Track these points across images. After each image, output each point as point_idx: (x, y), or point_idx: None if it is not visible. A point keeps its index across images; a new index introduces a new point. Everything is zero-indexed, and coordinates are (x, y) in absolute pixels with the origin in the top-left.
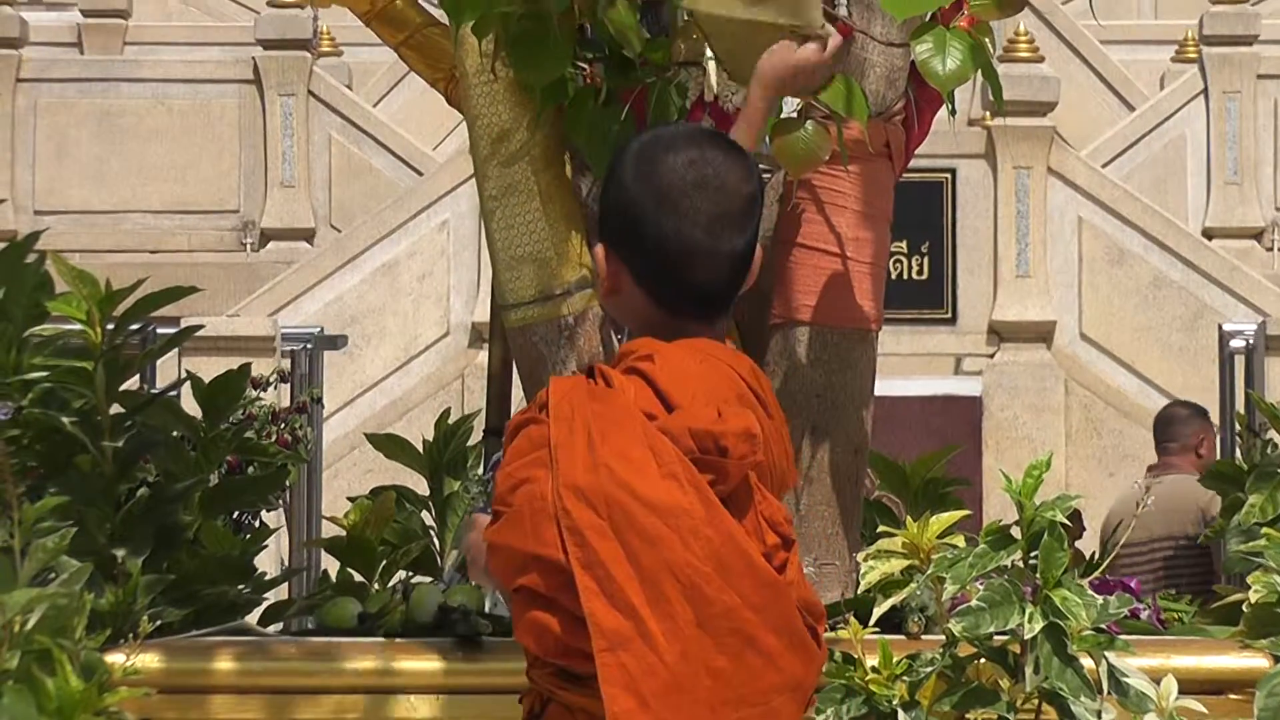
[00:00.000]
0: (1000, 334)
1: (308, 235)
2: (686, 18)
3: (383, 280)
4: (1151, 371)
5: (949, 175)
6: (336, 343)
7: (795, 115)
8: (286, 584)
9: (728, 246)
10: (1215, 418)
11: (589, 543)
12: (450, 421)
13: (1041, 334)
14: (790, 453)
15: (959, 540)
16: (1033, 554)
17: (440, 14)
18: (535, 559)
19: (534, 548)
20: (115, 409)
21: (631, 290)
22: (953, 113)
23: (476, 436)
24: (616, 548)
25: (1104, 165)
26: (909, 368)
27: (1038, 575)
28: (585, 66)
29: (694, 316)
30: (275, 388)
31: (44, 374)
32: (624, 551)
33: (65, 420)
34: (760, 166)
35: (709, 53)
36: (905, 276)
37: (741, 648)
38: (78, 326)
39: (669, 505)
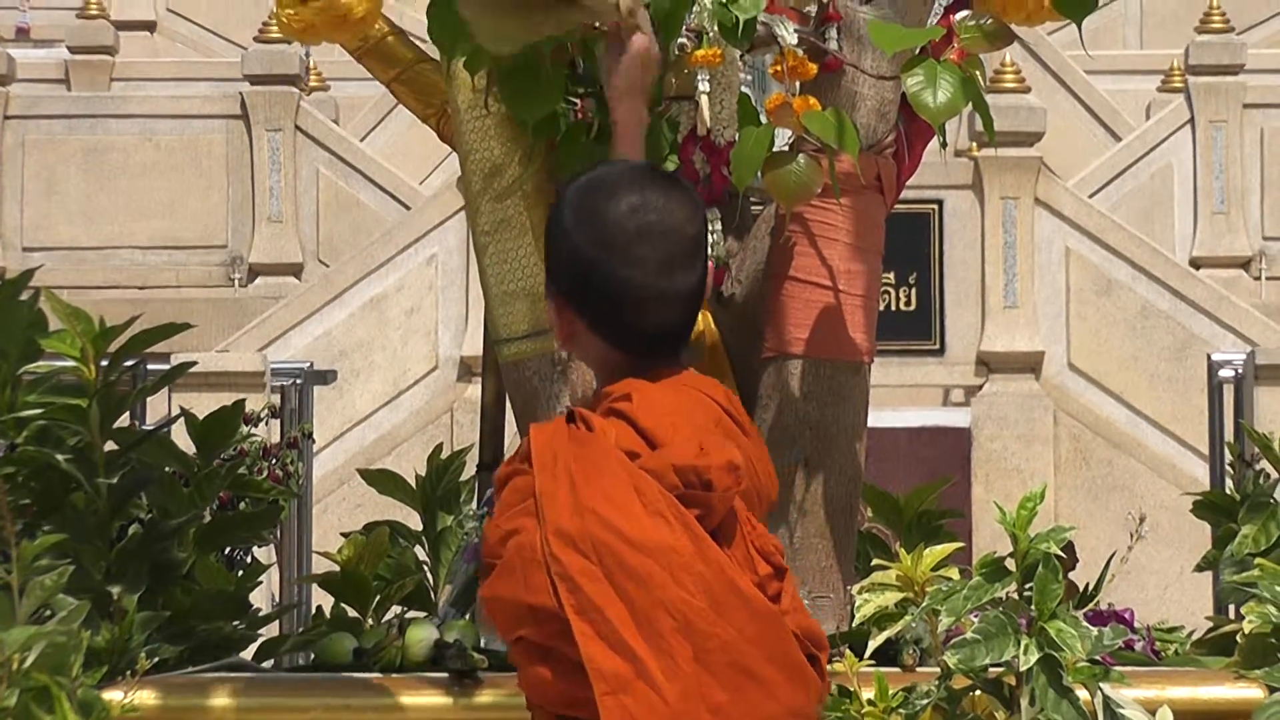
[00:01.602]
0: (988, 365)
1: (295, 270)
2: (678, 52)
3: (371, 315)
4: (1140, 401)
5: (936, 206)
6: (326, 377)
7: (787, 148)
8: (279, 620)
9: (680, 286)
10: (1204, 448)
11: (581, 588)
12: (442, 456)
13: (1030, 364)
14: (770, 469)
15: (953, 573)
16: (1027, 586)
17: (432, 50)
18: (529, 609)
19: (526, 597)
20: (109, 446)
21: (587, 338)
22: (944, 145)
23: (469, 471)
24: (609, 590)
25: (1091, 195)
26: (897, 399)
27: (1033, 607)
28: (577, 101)
29: (653, 355)
30: (266, 423)
31: (38, 411)
32: (616, 593)
33: (60, 457)
34: (752, 200)
35: (701, 87)
36: (893, 308)
37: (741, 681)
38: (71, 363)
39: (657, 544)
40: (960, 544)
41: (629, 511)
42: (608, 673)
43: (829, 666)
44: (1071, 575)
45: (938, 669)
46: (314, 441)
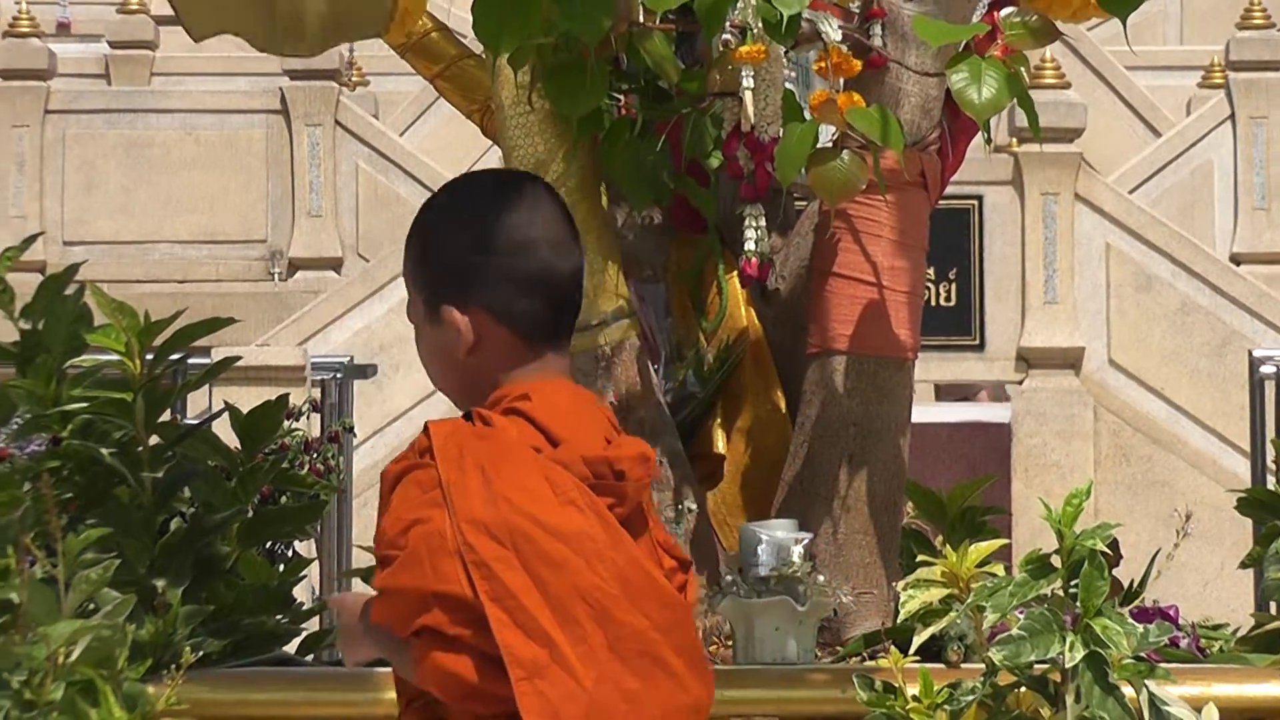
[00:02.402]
0: (1028, 360)
1: (335, 264)
2: (722, 49)
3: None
4: (1180, 397)
5: (976, 202)
6: (366, 372)
7: (832, 145)
8: (322, 614)
9: (568, 265)
10: (1245, 444)
11: (496, 574)
12: None
13: (1070, 360)
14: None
15: (998, 569)
16: (1073, 582)
17: (476, 46)
18: (437, 597)
19: (435, 585)
20: (154, 440)
21: (493, 332)
22: (988, 141)
23: None
24: (524, 577)
25: (1131, 191)
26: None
27: (1078, 604)
28: (621, 97)
29: (549, 344)
30: (306, 417)
31: (83, 405)
32: (532, 580)
33: (105, 452)
34: (796, 196)
35: (745, 83)
36: (933, 303)
37: (651, 669)
38: (115, 358)
39: (572, 530)
40: (1005, 540)
41: (542, 500)
42: (525, 659)
43: (874, 663)
44: (1115, 572)
45: (983, 665)
46: (354, 436)
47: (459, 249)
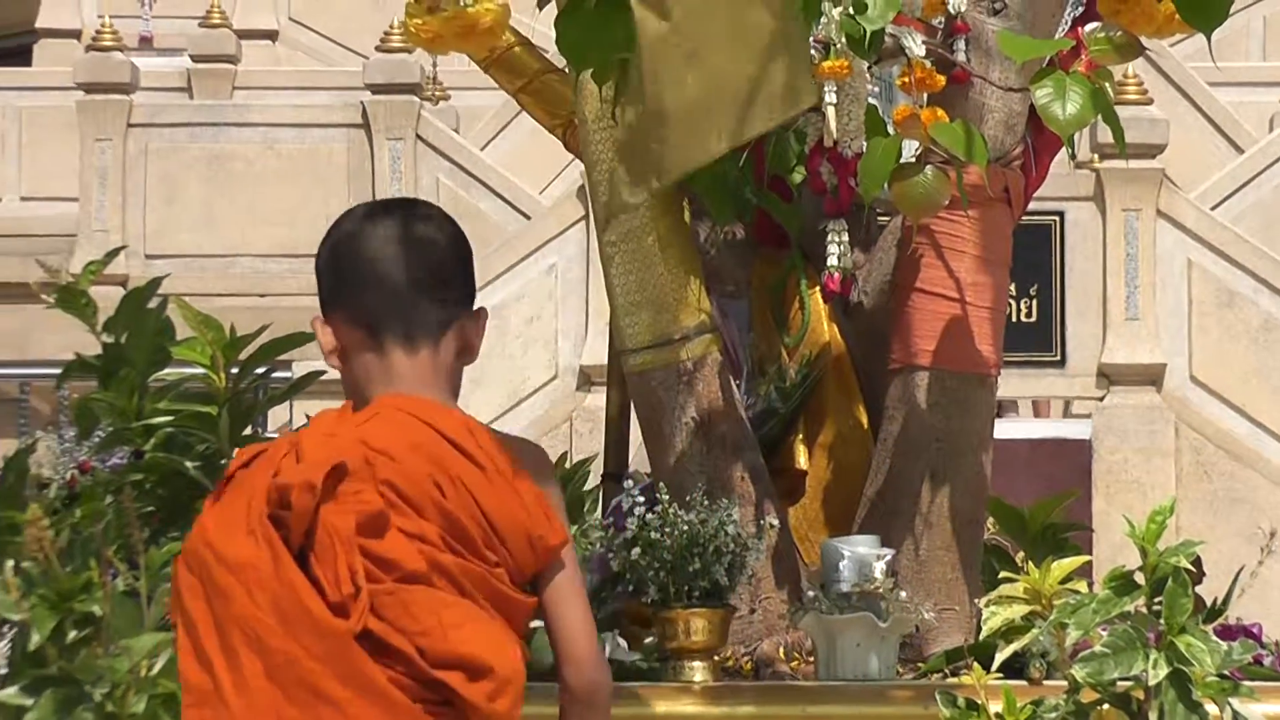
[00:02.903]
0: (1109, 377)
1: None
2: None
3: (490, 324)
4: (1262, 414)
5: (1057, 218)
6: None
7: (915, 160)
8: None
9: (409, 272)
10: None
11: (184, 603)
12: (566, 466)
13: (1151, 377)
14: (546, 510)
15: (1080, 586)
16: (1156, 600)
17: (559, 60)
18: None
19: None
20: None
21: (349, 336)
22: (1073, 157)
23: (593, 481)
24: (203, 605)
25: (1213, 208)
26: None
27: (1162, 621)
28: None
29: (395, 340)
30: None
31: (167, 419)
32: (208, 608)
33: (188, 465)
34: (879, 211)
35: (828, 99)
36: (1014, 319)
37: (310, 698)
38: (198, 371)
39: (240, 560)
40: (1088, 557)
41: (231, 529)
42: (194, 685)
43: (956, 680)
44: (1197, 589)
45: (1065, 682)
46: None
47: (319, 265)
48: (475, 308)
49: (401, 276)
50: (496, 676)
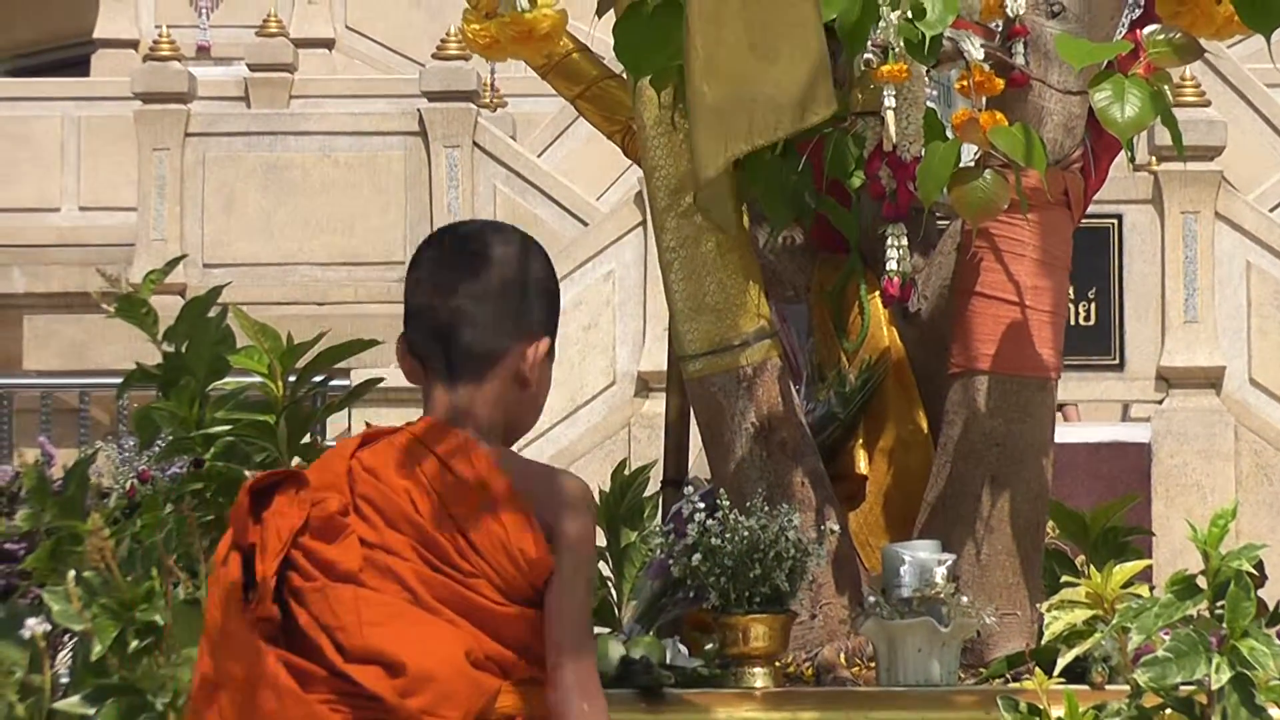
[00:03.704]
0: (1169, 380)
1: None
2: (864, 68)
3: None
4: None
5: (1115, 221)
6: None
7: (974, 164)
8: None
9: (440, 301)
10: None
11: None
12: (626, 473)
13: (1210, 380)
14: (529, 525)
15: (1143, 590)
16: (1219, 604)
17: (617, 67)
18: None
19: None
20: (296, 462)
21: (409, 363)
22: (1132, 160)
23: (653, 487)
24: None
25: (1272, 210)
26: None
27: (1224, 625)
28: None
29: (439, 378)
30: None
31: (226, 428)
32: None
33: (248, 474)
34: (938, 215)
35: (887, 102)
36: (1073, 322)
37: (227, 679)
38: (257, 379)
39: (218, 558)
40: (1149, 561)
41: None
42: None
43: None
44: (1259, 593)
45: (1128, 687)
46: None
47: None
48: (541, 336)
49: (445, 310)
50: (411, 674)
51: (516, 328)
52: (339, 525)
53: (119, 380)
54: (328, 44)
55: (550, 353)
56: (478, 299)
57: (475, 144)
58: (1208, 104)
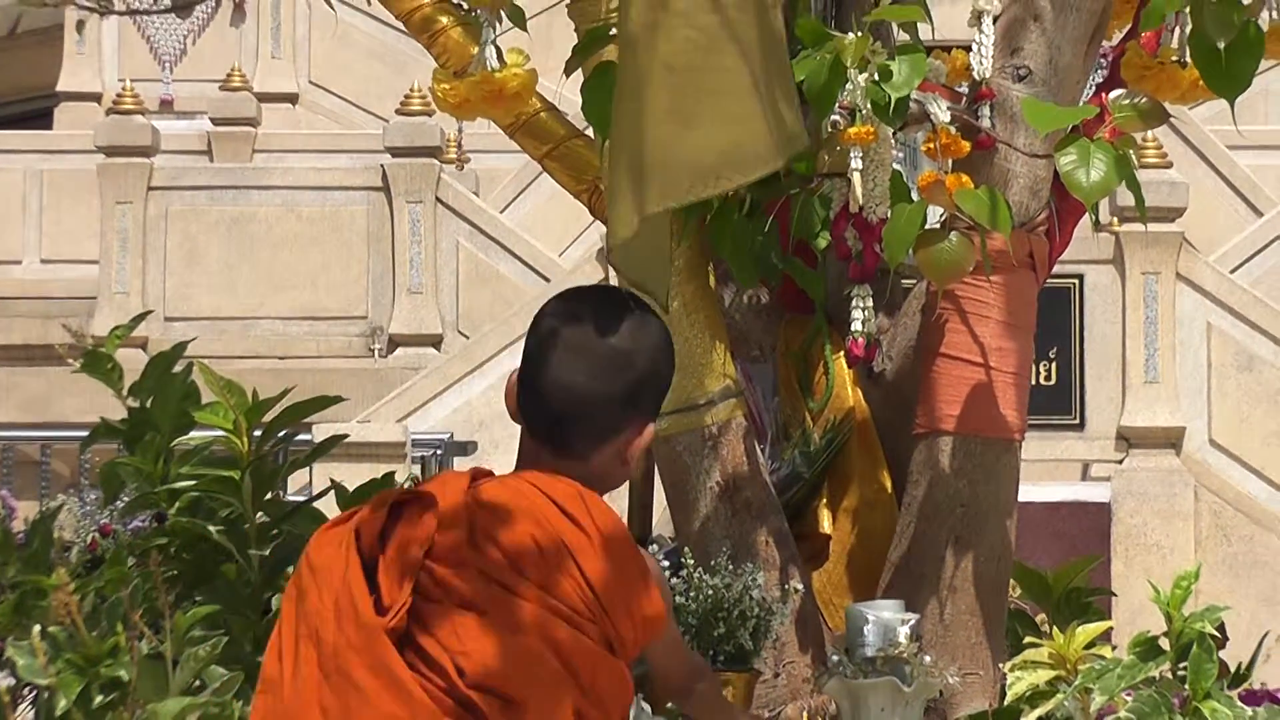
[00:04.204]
0: (1129, 440)
1: (435, 341)
2: (831, 130)
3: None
4: None
5: (1077, 281)
6: (466, 448)
7: (940, 226)
8: None
9: (562, 379)
10: None
11: (282, 604)
12: None
13: (1170, 440)
14: (646, 581)
15: (1106, 651)
16: (1181, 665)
17: (585, 126)
18: None
19: None
20: (260, 517)
21: (519, 416)
22: (1096, 224)
23: None
24: (291, 605)
25: (1232, 271)
26: (1036, 473)
27: (1186, 686)
28: None
29: (544, 445)
30: None
31: (191, 483)
32: (293, 607)
33: (212, 529)
34: (903, 276)
35: (854, 164)
36: (1034, 382)
37: (344, 685)
38: (219, 434)
39: (321, 564)
40: (1110, 623)
41: (326, 540)
42: (265, 675)
43: None
44: (1220, 654)
45: None
46: None
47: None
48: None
49: (560, 395)
50: (529, 713)
51: (625, 415)
52: (464, 554)
53: (81, 433)
54: (291, 99)
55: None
56: (596, 391)
57: (438, 199)
58: (1170, 165)
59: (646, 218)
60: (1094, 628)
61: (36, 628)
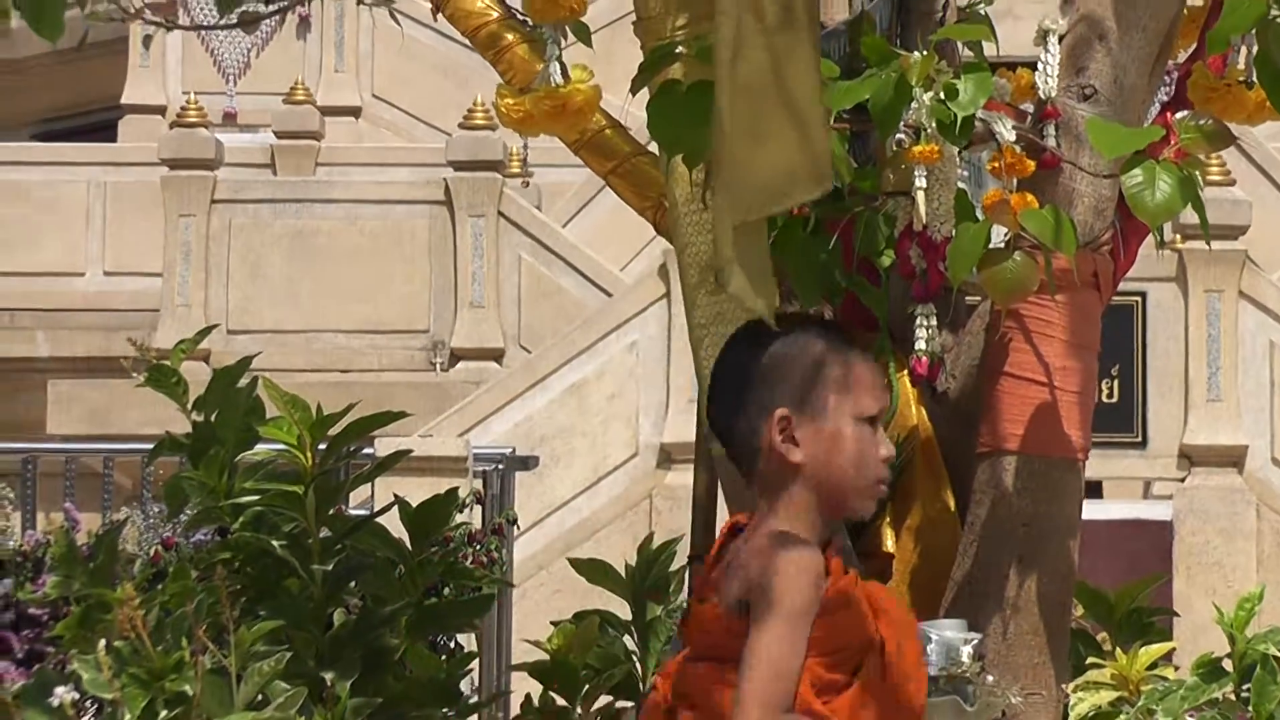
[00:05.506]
0: (1191, 458)
1: (497, 355)
2: (896, 148)
3: (571, 401)
4: None
5: (1140, 299)
6: (528, 463)
7: (1004, 245)
8: (488, 707)
9: (720, 417)
10: None
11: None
12: (652, 547)
13: (1233, 458)
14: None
15: (1168, 671)
16: (1245, 687)
17: (649, 142)
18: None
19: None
20: (324, 532)
21: None
22: (1160, 244)
23: (679, 562)
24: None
25: None
26: (1099, 491)
27: (1250, 708)
28: None
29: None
30: (469, 509)
31: (255, 498)
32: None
33: (275, 544)
34: (968, 294)
35: (918, 183)
36: (1096, 400)
37: None
38: (282, 448)
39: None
40: (1174, 644)
41: None
42: None
43: None
44: None
45: None
46: (518, 528)
47: None
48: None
49: (712, 412)
50: None
51: (749, 417)
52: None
53: (143, 446)
54: (354, 112)
55: (791, 418)
56: (719, 399)
57: (500, 213)
58: (1233, 183)
59: (748, 233)
60: (1156, 648)
61: (101, 641)
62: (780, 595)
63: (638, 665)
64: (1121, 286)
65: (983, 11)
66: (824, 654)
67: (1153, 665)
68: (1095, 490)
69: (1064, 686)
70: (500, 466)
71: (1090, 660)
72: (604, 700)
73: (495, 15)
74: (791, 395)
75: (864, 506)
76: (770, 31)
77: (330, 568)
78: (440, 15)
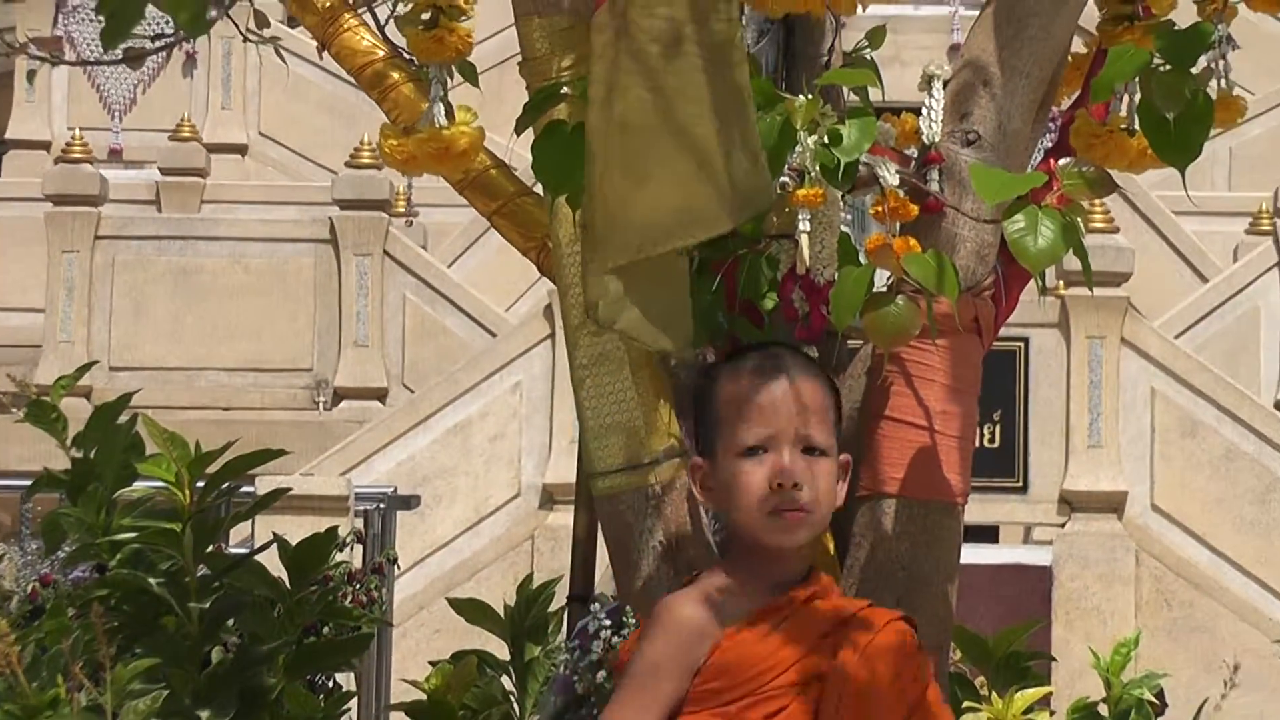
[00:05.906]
0: (1071, 504)
1: (380, 395)
2: (780, 191)
3: (455, 441)
4: (1223, 544)
5: (1022, 344)
6: (409, 503)
7: (887, 289)
8: None
9: None
10: None
11: None
12: (531, 587)
13: (1113, 504)
14: None
15: (1044, 716)
16: None
17: (534, 183)
18: None
19: None
20: (201, 570)
21: None
22: (1042, 290)
23: (558, 602)
24: None
25: (1177, 336)
26: (978, 536)
27: None
28: None
29: None
30: (349, 548)
31: (132, 535)
32: None
33: (153, 581)
34: (850, 338)
35: (801, 226)
36: (977, 445)
37: None
38: (161, 485)
39: None
40: (1050, 688)
41: None
42: None
43: None
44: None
45: None
46: (398, 567)
47: None
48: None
49: None
50: None
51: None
52: None
53: (23, 482)
54: (240, 150)
55: (704, 465)
56: None
57: (386, 252)
58: (1116, 230)
59: (659, 271)
60: (1033, 693)
61: None
62: (633, 655)
63: (515, 706)
64: (1004, 332)
65: (868, 57)
66: (727, 703)
67: (1029, 709)
68: (991, 535)
69: None
70: (382, 506)
71: (967, 704)
72: None
73: (381, 54)
74: (702, 440)
75: (775, 540)
76: (654, 70)
77: (208, 606)
78: (327, 53)
